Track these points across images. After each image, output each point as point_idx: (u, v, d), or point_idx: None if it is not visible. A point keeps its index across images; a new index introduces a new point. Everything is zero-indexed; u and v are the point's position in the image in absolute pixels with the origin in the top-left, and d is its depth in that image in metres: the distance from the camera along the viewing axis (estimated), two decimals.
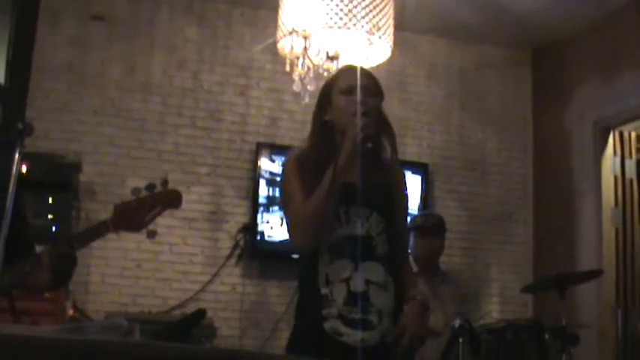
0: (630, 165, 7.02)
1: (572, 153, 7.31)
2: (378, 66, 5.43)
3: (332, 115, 3.20)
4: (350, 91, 3.13)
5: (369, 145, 2.99)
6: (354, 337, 2.95)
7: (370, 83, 3.18)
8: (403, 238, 3.38)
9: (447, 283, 5.59)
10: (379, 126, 3.18)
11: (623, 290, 6.74)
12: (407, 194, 3.44)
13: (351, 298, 2.98)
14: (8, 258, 2.69)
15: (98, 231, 2.91)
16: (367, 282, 3.02)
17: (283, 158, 6.85)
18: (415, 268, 5.46)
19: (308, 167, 3.13)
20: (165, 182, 2.91)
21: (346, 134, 3.03)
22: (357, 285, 2.99)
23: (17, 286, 2.89)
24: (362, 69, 3.26)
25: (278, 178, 6.80)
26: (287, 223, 3.24)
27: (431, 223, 5.63)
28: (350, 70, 3.27)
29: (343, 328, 2.96)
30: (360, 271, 3.01)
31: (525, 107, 7.99)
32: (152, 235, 2.94)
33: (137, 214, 2.86)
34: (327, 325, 2.98)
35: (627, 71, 6.70)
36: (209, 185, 6.90)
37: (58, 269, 2.93)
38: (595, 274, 5.62)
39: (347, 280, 3.00)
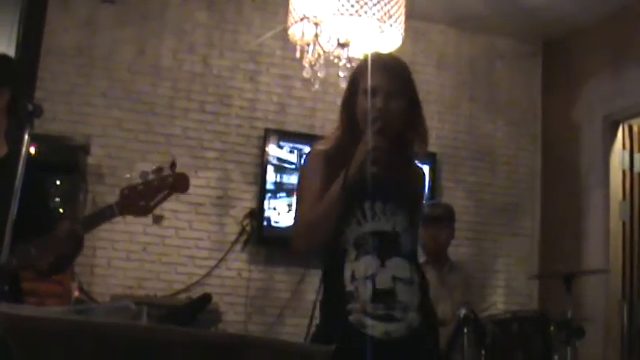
0: (639, 159, 7.01)
1: (581, 146, 7.30)
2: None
3: (357, 111, 3.09)
4: (372, 91, 2.99)
5: (374, 169, 2.86)
6: (379, 328, 2.88)
7: (394, 84, 3.03)
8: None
9: (455, 273, 5.59)
10: (392, 129, 3.03)
11: (630, 284, 6.74)
12: (422, 190, 3.35)
13: (377, 294, 2.91)
14: (24, 240, 2.71)
15: (104, 215, 2.90)
16: (394, 278, 2.94)
17: (291, 145, 6.86)
18: (423, 258, 5.46)
19: (331, 162, 3.02)
20: (173, 165, 2.90)
21: (358, 147, 2.92)
22: (384, 282, 2.92)
23: (21, 267, 2.89)
24: (389, 62, 3.13)
25: (286, 165, 6.81)
26: (294, 221, 3.18)
27: (437, 213, 5.62)
28: (374, 65, 3.06)
29: (369, 321, 2.88)
30: (386, 268, 2.94)
31: (535, 99, 7.98)
32: (158, 219, 2.94)
33: (143, 198, 2.84)
34: (351, 318, 2.90)
35: (637, 66, 6.68)
36: (217, 170, 6.90)
37: (62, 252, 2.94)
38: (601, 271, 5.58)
39: (372, 277, 2.93)
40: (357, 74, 3.16)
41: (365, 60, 3.16)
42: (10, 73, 3.25)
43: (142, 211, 2.87)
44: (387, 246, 2.97)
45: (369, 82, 3.00)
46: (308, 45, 5.30)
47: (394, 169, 3.00)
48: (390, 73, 3.05)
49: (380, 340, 2.87)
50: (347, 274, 2.96)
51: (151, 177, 2.85)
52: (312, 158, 3.17)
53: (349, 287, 2.94)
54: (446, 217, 5.61)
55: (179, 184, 2.88)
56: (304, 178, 3.16)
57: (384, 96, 2.99)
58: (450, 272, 5.55)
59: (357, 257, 2.96)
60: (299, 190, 3.17)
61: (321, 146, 3.18)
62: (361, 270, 2.94)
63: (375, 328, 2.88)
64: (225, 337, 1.86)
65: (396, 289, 2.93)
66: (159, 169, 2.87)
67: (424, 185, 3.36)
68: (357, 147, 2.94)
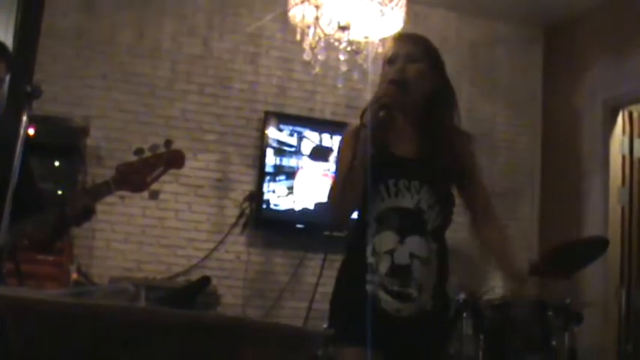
0: (638, 145, 7.01)
1: (581, 131, 7.28)
2: (389, 38, 5.41)
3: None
4: (391, 60, 3.10)
5: (381, 113, 2.92)
6: (392, 305, 2.98)
7: (413, 49, 3.12)
8: (482, 203, 3.38)
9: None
10: (433, 91, 3.15)
11: (628, 269, 6.75)
12: (464, 158, 3.23)
13: (394, 270, 3.00)
14: (16, 220, 2.70)
15: (100, 190, 2.92)
16: (411, 255, 3.01)
17: (291, 128, 6.85)
18: None
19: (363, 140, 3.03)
20: (168, 143, 2.91)
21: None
22: (401, 258, 3.01)
23: (17, 245, 2.90)
24: (410, 35, 3.26)
25: (286, 148, 6.80)
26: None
27: None
28: (395, 38, 3.24)
29: (383, 295, 2.99)
30: (405, 244, 3.02)
31: (535, 84, 7.96)
32: (155, 195, 2.96)
33: (139, 174, 2.86)
34: (368, 288, 3.01)
35: (638, 51, 6.66)
36: (216, 152, 6.89)
37: (75, 219, 2.96)
38: (599, 243, 5.51)
39: (391, 252, 3.02)
40: (383, 55, 3.23)
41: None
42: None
43: (138, 187, 2.89)
44: (408, 223, 3.03)
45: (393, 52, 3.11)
46: (308, 28, 5.29)
47: (422, 142, 3.09)
48: (407, 41, 3.17)
49: (390, 316, 2.97)
50: (369, 247, 3.04)
51: (146, 154, 2.86)
52: (345, 135, 3.24)
53: (370, 260, 3.03)
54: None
55: (174, 160, 2.90)
56: (338, 156, 3.24)
57: (402, 61, 3.07)
58: None
59: (379, 232, 3.04)
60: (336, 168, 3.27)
61: (353, 125, 3.18)
62: (381, 244, 3.03)
63: (389, 304, 2.98)
64: (223, 320, 1.85)
65: (412, 266, 3.01)
66: (154, 147, 2.88)
67: (465, 149, 3.25)
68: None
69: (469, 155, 3.25)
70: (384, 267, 3.01)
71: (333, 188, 3.07)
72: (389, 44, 3.25)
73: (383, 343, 2.87)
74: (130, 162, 2.86)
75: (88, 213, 2.99)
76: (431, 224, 3.08)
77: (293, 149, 6.83)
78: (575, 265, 5.00)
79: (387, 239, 3.02)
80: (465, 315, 4.43)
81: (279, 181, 6.78)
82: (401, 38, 3.23)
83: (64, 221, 2.99)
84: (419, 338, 3.01)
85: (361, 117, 2.97)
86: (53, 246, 3.24)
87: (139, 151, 2.87)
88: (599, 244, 5.27)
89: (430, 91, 3.14)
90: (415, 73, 3.07)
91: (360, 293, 3.01)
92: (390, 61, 3.11)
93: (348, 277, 3.15)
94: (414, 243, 3.03)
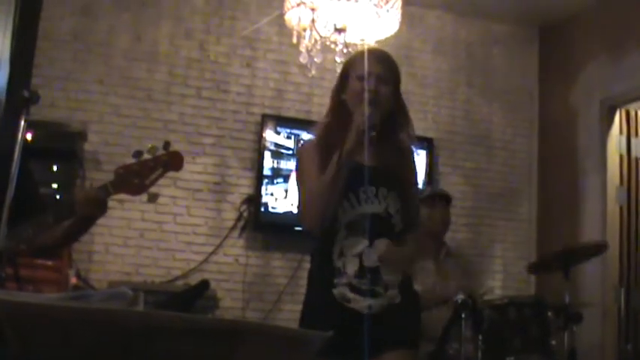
0: (636, 144, 7.01)
1: (578, 131, 7.29)
2: (385, 39, 5.42)
3: (347, 96, 3.36)
4: (364, 77, 3.27)
5: (373, 133, 3.11)
6: (361, 303, 3.14)
7: (385, 70, 3.33)
8: (412, 214, 3.42)
9: (451, 259, 5.58)
10: (392, 111, 3.35)
11: (627, 269, 6.75)
12: (414, 169, 3.54)
13: (363, 271, 3.16)
14: (19, 222, 2.71)
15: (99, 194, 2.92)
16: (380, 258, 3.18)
17: (288, 130, 6.85)
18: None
19: (324, 150, 3.26)
20: (167, 144, 2.90)
21: (352, 122, 3.17)
22: (370, 260, 3.17)
23: (17, 250, 2.89)
24: (380, 54, 3.45)
25: (283, 151, 6.80)
26: (299, 204, 3.45)
27: (445, 192, 5.68)
28: (368, 54, 3.38)
29: (351, 295, 3.15)
30: (373, 247, 3.18)
31: (532, 84, 7.96)
32: (153, 198, 2.95)
33: (138, 176, 2.85)
34: (335, 292, 3.17)
35: (635, 50, 6.67)
36: (214, 156, 6.89)
37: (87, 215, 2.96)
38: (600, 248, 5.57)
39: (360, 255, 3.18)
40: (349, 63, 3.47)
41: (358, 52, 3.57)
42: None
43: (137, 190, 2.88)
44: (377, 227, 3.22)
45: (366, 68, 3.28)
46: (305, 30, 5.30)
47: (384, 154, 3.30)
48: (380, 62, 3.36)
49: (362, 314, 3.13)
50: (336, 251, 3.22)
51: (145, 156, 2.85)
52: (306, 149, 3.44)
53: (337, 263, 3.21)
54: (444, 197, 5.65)
55: (173, 162, 2.89)
56: (302, 167, 3.41)
57: (375, 80, 3.27)
58: (446, 259, 5.54)
59: (347, 237, 3.21)
60: (299, 180, 3.43)
61: (312, 139, 3.47)
62: (350, 248, 3.20)
63: (358, 302, 3.15)
64: (222, 323, 1.86)
65: (380, 268, 3.19)
66: (152, 149, 2.87)
67: (414, 161, 3.55)
68: (345, 129, 3.19)
69: (407, 161, 3.49)
70: (352, 269, 3.18)
71: (310, 195, 3.25)
72: (357, 56, 3.46)
73: (357, 345, 3.02)
74: (129, 164, 2.85)
75: (101, 210, 3.02)
76: (398, 226, 3.28)
77: (290, 152, 6.84)
78: None
79: (355, 243, 3.20)
80: (463, 316, 4.42)
81: (277, 184, 6.79)
82: (372, 55, 3.38)
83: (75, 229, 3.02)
84: (393, 330, 3.16)
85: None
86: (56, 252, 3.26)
87: (137, 154, 2.86)
88: None
89: (390, 110, 3.35)
90: (384, 95, 3.30)
91: (328, 297, 3.19)
92: (360, 77, 3.30)
93: (316, 283, 3.37)
94: (383, 246, 3.21)
